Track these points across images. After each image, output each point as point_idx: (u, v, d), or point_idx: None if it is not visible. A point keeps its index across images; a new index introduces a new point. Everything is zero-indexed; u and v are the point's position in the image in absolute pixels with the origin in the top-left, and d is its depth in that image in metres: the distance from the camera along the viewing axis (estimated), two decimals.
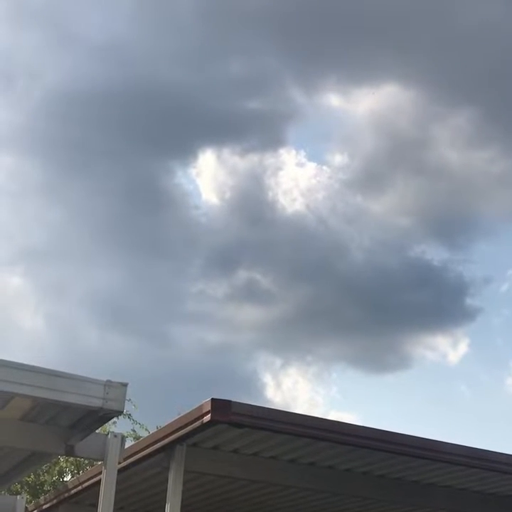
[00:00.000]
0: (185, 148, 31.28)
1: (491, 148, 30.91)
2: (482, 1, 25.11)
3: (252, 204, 31.66)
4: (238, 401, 6.58)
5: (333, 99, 31.22)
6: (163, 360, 28.67)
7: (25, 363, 5.83)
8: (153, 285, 31.27)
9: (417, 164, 30.87)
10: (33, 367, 5.81)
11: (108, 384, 5.90)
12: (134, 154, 30.05)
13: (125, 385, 6.00)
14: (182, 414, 6.91)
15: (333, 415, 32.99)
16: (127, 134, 28.76)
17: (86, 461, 12.97)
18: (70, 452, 6.80)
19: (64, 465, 13.81)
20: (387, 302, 31.50)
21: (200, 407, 6.54)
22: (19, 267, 30.96)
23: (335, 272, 31.34)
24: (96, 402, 5.86)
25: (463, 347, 36.43)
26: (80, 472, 13.22)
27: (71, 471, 13.96)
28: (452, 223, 33.03)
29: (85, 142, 28.60)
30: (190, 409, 6.73)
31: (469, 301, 34.53)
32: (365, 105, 30.49)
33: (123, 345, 29.78)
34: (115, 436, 6.73)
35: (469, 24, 25.54)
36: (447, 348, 36.03)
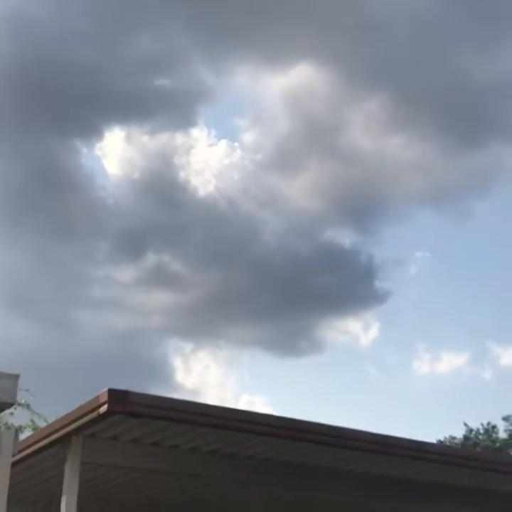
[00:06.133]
0: (89, 127, 30.66)
1: (402, 134, 31.54)
2: None
3: (161, 185, 31.38)
4: (136, 391, 6.45)
5: (244, 79, 31.15)
6: (67, 347, 28.21)
7: None
8: (56, 269, 30.67)
9: (330, 148, 31.21)
10: None
11: None
12: (35, 133, 29.33)
13: (17, 376, 5.80)
14: (79, 405, 6.74)
15: (244, 399, 33.20)
16: (27, 112, 27.96)
17: None
18: None
19: None
20: (299, 287, 31.82)
21: (97, 398, 6.40)
22: None
23: (247, 256, 31.47)
24: None
25: (374, 330, 37.17)
26: None
27: None
28: (363, 207, 33.63)
29: None
30: (87, 400, 6.57)
31: (379, 284, 35.26)
32: (278, 85, 30.51)
33: (24, 331, 29.10)
34: (8, 428, 6.56)
35: (386, 11, 25.91)
36: (359, 332, 36.71)
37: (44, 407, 14.08)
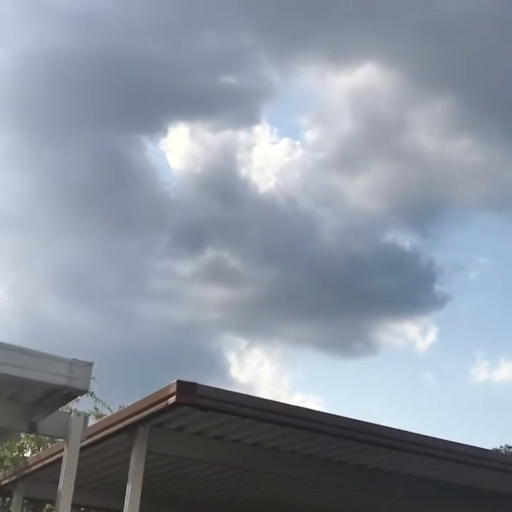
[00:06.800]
0: (155, 123, 31.00)
1: (466, 137, 31.14)
2: None
3: (223, 181, 31.52)
4: (203, 384, 6.56)
5: (309, 78, 31.05)
6: (126, 337, 28.59)
7: None
8: (119, 261, 31.09)
9: (392, 149, 30.94)
10: None
11: (73, 363, 5.86)
12: (103, 127, 29.75)
13: (90, 364, 5.96)
14: (147, 395, 6.87)
15: (297, 397, 33.19)
16: (96, 106, 28.39)
17: (47, 438, 12.88)
18: (32, 429, 6.76)
19: (25, 441, 13.71)
20: (357, 287, 31.62)
21: (166, 389, 6.51)
22: None
23: (305, 254, 31.38)
24: (60, 381, 5.82)
25: (431, 335, 36.70)
26: (41, 449, 13.14)
27: (31, 448, 13.87)
28: (425, 210, 33.23)
29: (54, 113, 28.24)
30: (155, 391, 6.70)
31: (438, 288, 34.77)
32: (343, 86, 30.38)
33: (86, 321, 29.60)
34: (78, 414, 6.70)
35: (450, 13, 25.58)
36: (416, 336, 36.30)
37: (102, 395, 14.37)
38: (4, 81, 27.92)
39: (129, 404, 7.41)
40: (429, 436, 7.77)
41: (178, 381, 6.41)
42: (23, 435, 13.47)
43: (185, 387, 6.40)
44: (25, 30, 28.16)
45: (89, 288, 30.18)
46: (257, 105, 32.17)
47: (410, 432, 7.65)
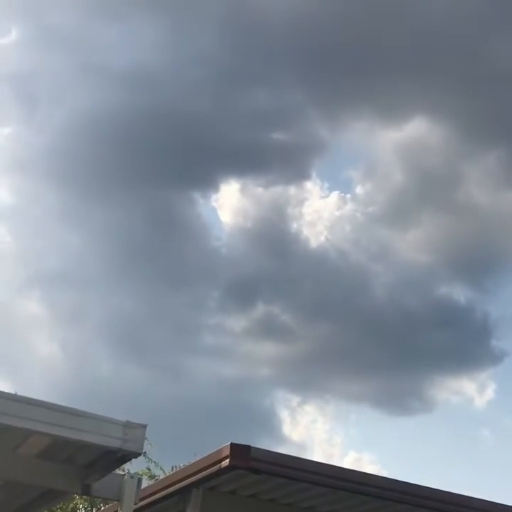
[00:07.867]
0: (207, 179, 31.37)
1: None
2: None
3: (274, 236, 31.62)
4: (257, 446, 6.49)
5: (358, 134, 31.20)
6: (178, 394, 28.50)
7: (43, 399, 5.81)
8: (170, 316, 31.18)
9: (444, 202, 30.73)
10: (52, 404, 5.77)
11: (127, 425, 5.85)
12: (155, 183, 30.18)
13: (144, 426, 5.94)
14: (199, 458, 6.83)
15: (351, 456, 32.55)
16: (149, 163, 28.87)
17: (99, 499, 12.82)
18: (86, 491, 6.71)
19: (78, 501, 13.69)
20: (411, 343, 31.14)
21: (219, 452, 6.45)
22: (35, 292, 30.94)
23: (356, 309, 31.06)
24: (114, 443, 5.80)
25: (489, 392, 35.87)
26: (93, 509, 13.08)
27: (85, 508, 13.82)
28: (479, 263, 32.74)
29: (107, 169, 28.81)
30: (208, 453, 6.64)
31: (495, 343, 34.08)
32: (392, 140, 30.46)
33: (138, 376, 29.61)
34: (132, 477, 6.65)
35: (502, 64, 25.63)
36: (473, 393, 35.49)
37: (154, 451, 14.28)
38: (58, 140, 28.75)
39: (181, 466, 7.37)
40: (492, 502, 7.52)
41: (231, 444, 6.35)
42: (76, 495, 13.44)
43: (238, 450, 6.34)
44: (80, 89, 29.02)
45: (140, 343, 30.32)
46: (307, 160, 32.40)
47: (472, 498, 7.41)
